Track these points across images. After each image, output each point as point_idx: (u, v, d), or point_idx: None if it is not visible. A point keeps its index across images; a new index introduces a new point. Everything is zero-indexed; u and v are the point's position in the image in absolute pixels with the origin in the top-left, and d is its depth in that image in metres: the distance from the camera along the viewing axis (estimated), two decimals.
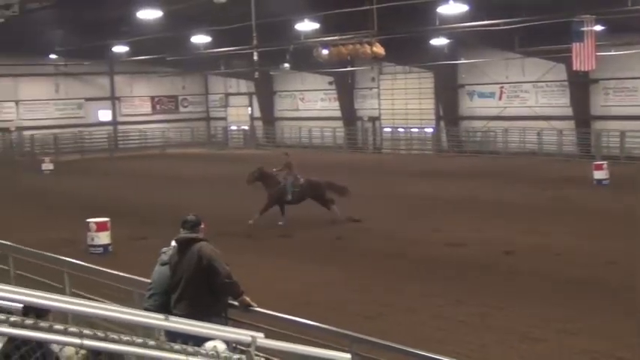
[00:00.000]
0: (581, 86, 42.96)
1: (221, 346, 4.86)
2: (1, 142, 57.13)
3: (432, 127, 50.68)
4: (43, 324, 3.99)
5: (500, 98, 47.89)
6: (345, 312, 14.68)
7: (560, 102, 44.77)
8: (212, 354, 4.70)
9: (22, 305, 4.63)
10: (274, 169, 25.55)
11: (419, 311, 14.88)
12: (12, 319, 3.90)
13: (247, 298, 9.12)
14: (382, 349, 8.20)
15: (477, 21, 31.99)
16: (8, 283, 12.27)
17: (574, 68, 32.96)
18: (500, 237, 21.50)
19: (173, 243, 9.63)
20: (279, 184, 24.66)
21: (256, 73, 30.88)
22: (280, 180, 24.80)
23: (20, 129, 57.51)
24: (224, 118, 65.20)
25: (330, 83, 55.45)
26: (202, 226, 9.55)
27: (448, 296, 15.78)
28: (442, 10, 31.72)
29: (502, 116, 47.28)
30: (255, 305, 9.14)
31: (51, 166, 44.15)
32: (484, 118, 48.14)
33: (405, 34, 34.40)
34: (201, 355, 4.65)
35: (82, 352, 4.82)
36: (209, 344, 4.88)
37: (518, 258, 19.15)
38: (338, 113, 55.62)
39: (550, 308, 14.75)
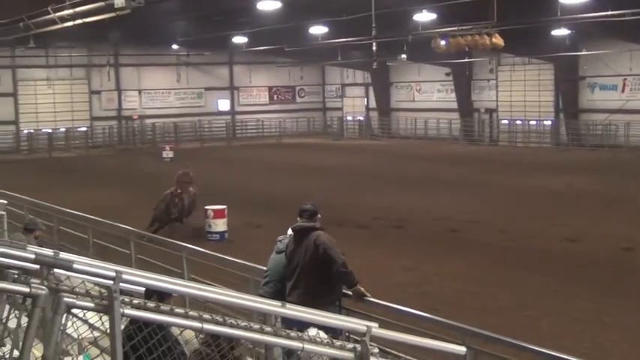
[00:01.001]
0: None
1: (322, 335, 4.86)
2: (124, 130, 58.62)
3: (551, 120, 49.65)
4: (164, 307, 4.10)
5: (622, 91, 46.46)
6: (460, 305, 14.56)
7: None
8: (327, 342, 4.74)
9: (144, 289, 4.74)
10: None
11: (534, 306, 14.67)
12: (135, 301, 4.02)
13: (362, 288, 9.07)
14: (496, 343, 8.07)
15: (601, 11, 31.13)
16: (130, 266, 12.45)
17: None
18: (620, 233, 20.99)
19: (289, 231, 9.61)
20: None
21: (374, 64, 30.74)
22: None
23: (143, 117, 58.78)
24: (340, 109, 65.23)
25: (448, 74, 54.96)
26: (319, 215, 9.53)
27: (564, 292, 15.51)
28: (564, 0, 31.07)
29: (625, 109, 45.93)
30: (370, 295, 9.09)
31: (171, 154, 44.68)
32: (605, 111, 46.80)
33: (524, 24, 33.77)
34: (317, 342, 4.70)
35: (201, 336, 4.90)
36: (311, 331, 4.90)
37: (638, 254, 18.66)
38: (454, 105, 54.99)
39: None
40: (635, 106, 45.41)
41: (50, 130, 54.02)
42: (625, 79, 46.14)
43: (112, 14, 22.26)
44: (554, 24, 38.05)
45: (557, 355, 7.42)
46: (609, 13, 30.90)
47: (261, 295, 8.90)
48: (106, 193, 30.97)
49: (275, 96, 65.34)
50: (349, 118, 63.99)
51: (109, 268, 4.03)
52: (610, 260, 18.21)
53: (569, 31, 41.25)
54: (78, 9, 24.46)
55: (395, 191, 29.89)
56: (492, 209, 25.52)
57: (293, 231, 9.49)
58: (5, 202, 17.54)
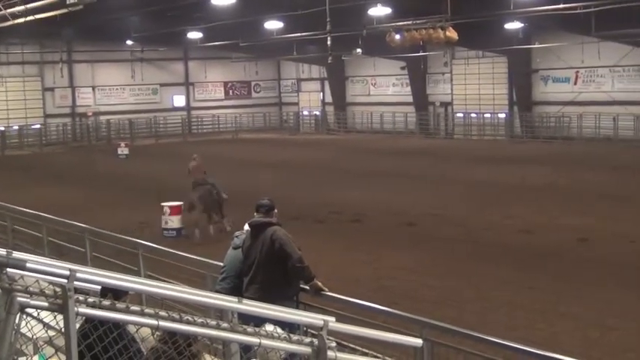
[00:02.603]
0: None
1: (279, 330, 4.88)
2: (78, 127, 58.06)
3: (505, 113, 50.05)
4: (120, 305, 4.07)
5: (575, 83, 46.96)
6: (418, 298, 14.67)
7: (637, 87, 43.85)
8: (284, 337, 4.75)
9: (99, 287, 4.72)
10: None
11: (490, 298, 14.80)
12: (90, 299, 3.98)
13: (319, 283, 9.06)
14: (453, 335, 8.15)
15: (553, 4, 31.41)
16: (85, 264, 12.44)
17: None
18: (575, 224, 21.22)
19: (246, 227, 9.59)
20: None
21: (329, 59, 30.76)
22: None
23: (97, 114, 58.39)
24: (296, 104, 65.24)
25: (403, 68, 55.12)
26: (276, 210, 9.51)
27: (520, 283, 15.66)
28: None
29: (577, 101, 46.40)
30: (327, 290, 9.10)
31: (126, 151, 44.61)
32: (558, 103, 47.30)
33: (478, 18, 33.98)
34: (274, 338, 4.70)
35: (158, 333, 4.90)
36: (268, 327, 4.90)
37: (592, 245, 18.87)
38: (410, 98, 55.17)
39: (625, 297, 14.49)
40: (587, 98, 45.93)
41: (3, 128, 53.28)
42: (577, 72, 46.62)
43: (65, 10, 21.99)
44: (508, 17, 38.34)
45: (511, 344, 7.51)
46: (561, 6, 31.18)
47: (218, 292, 8.85)
48: (60, 191, 30.76)
49: (230, 91, 65.26)
50: (305, 112, 64.05)
51: (63, 267, 3.98)
52: (565, 251, 18.38)
53: (522, 25, 41.61)
54: (30, 5, 24.13)
55: (352, 186, 29.92)
56: (449, 202, 25.63)
57: (250, 226, 9.46)
58: None
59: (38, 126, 55.62)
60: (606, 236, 19.67)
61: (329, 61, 33.12)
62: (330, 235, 21.06)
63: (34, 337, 4.36)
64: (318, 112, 63.20)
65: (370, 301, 9.30)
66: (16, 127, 54.54)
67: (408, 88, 55.47)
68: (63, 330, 3.85)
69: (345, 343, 7.74)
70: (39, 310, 3.95)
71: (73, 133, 57.53)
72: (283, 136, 57.62)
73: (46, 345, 4.46)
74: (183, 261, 12.10)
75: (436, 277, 16.43)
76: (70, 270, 3.88)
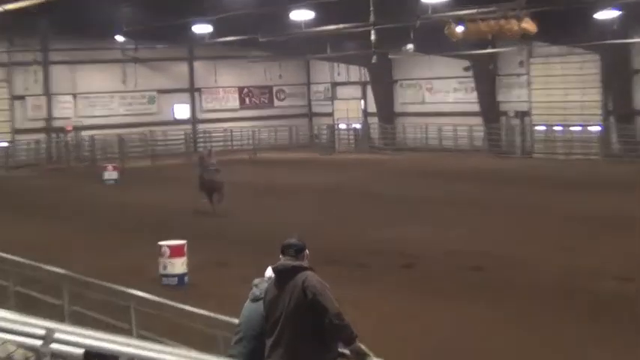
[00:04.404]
0: None
1: None
2: (55, 145, 58.29)
3: (599, 125, 49.64)
4: None
5: None
6: None
7: None
8: None
9: (82, 350, 4.68)
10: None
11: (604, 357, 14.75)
12: None
13: (362, 345, 8.92)
14: None
15: None
16: (62, 321, 12.31)
17: None
18: None
19: (268, 273, 9.52)
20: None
21: (373, 58, 30.88)
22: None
23: (79, 129, 58.34)
24: (330, 114, 65.16)
25: (466, 69, 54.93)
26: (307, 252, 9.39)
27: (619, 339, 15.53)
28: None
29: None
30: (372, 355, 8.96)
31: (115, 175, 44.63)
32: None
33: (562, 5, 33.84)
34: None
35: None
36: None
37: None
38: (476, 107, 54.99)
39: None
40: None
41: None
42: None
43: (40, 0, 22.18)
44: (600, 4, 38.11)
45: None
46: None
47: (232, 357, 8.88)
48: (32, 226, 30.68)
49: (247, 99, 65.59)
50: (342, 126, 63.83)
51: (37, 325, 3.97)
52: None
53: (619, 13, 41.30)
54: None
55: (403, 219, 29.74)
56: (527, 240, 25.35)
57: (274, 272, 9.34)
58: None
59: (5, 144, 55.94)
60: None
61: (373, 61, 33.43)
62: (375, 283, 20.93)
63: None
64: (358, 126, 63.19)
65: None
66: None
67: (474, 94, 55.27)
68: None
69: None
70: None
71: (48, 153, 57.83)
72: (314, 155, 57.59)
73: None
74: (186, 317, 12.14)
75: (510, 337, 16.26)
76: (46, 329, 3.87)
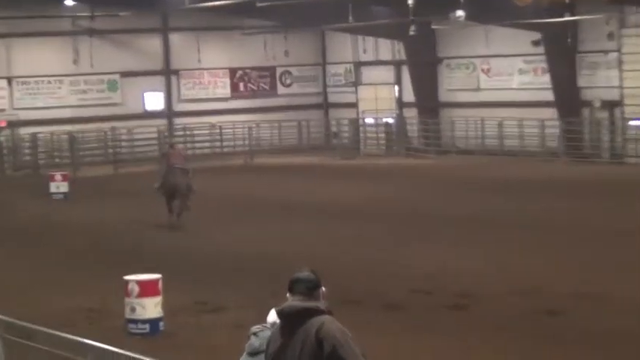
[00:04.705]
0: None
1: None
2: None
3: None
4: None
5: None
6: None
7: None
8: None
9: None
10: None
11: None
12: None
13: None
14: None
15: None
16: None
17: None
18: None
19: (272, 317, 9.65)
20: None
21: (411, 28, 29.74)
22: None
23: (16, 124, 57.04)
24: (354, 105, 63.55)
25: (536, 44, 53.22)
26: (323, 289, 9.35)
27: None
28: None
29: None
30: None
31: (64, 187, 43.86)
32: None
33: None
34: None
35: None
36: None
37: None
38: (549, 95, 53.23)
39: None
40: None
41: None
42: None
43: None
44: None
45: None
46: None
47: None
48: None
49: (242, 85, 63.72)
50: (370, 120, 62.31)
51: None
52: None
53: None
54: None
55: (450, 245, 29.21)
56: (617, 274, 24.74)
57: (280, 316, 9.28)
58: None
59: None
60: None
61: (410, 33, 32.98)
62: (415, 330, 20.82)
63: None
64: (390, 120, 61.63)
65: None
66: None
67: (546, 78, 53.30)
68: None
69: None
70: None
71: None
72: (331, 160, 56.99)
73: None
74: None
75: None
76: None
